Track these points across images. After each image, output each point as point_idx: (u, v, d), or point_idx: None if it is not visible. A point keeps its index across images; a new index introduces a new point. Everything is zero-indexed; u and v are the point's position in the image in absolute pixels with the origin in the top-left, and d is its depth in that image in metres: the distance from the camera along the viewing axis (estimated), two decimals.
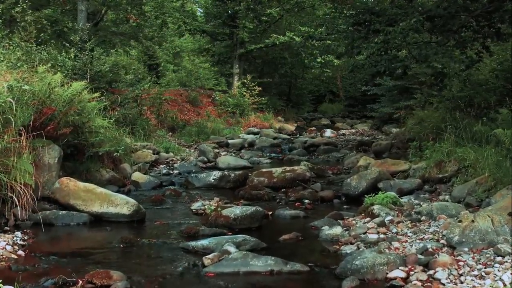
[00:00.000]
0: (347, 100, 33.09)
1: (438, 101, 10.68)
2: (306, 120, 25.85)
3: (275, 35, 21.51)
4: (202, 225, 5.69)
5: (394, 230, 5.15)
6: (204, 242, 4.70)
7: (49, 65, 8.80)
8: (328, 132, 19.02)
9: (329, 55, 23.18)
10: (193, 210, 6.55)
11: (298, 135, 18.70)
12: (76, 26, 14.34)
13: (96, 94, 8.46)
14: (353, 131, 21.05)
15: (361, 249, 4.55)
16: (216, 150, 13.10)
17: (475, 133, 8.36)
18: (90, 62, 11.73)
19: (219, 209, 5.72)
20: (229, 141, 14.77)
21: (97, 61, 12.53)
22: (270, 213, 6.35)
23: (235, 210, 5.59)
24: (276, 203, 7.22)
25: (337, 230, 5.10)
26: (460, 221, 4.63)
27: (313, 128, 21.03)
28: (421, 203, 6.41)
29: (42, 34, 12.61)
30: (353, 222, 5.63)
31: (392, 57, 9.13)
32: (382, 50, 8.97)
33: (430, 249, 4.36)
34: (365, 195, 7.32)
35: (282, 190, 7.85)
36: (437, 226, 5.11)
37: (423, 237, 4.88)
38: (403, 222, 5.43)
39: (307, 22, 18.96)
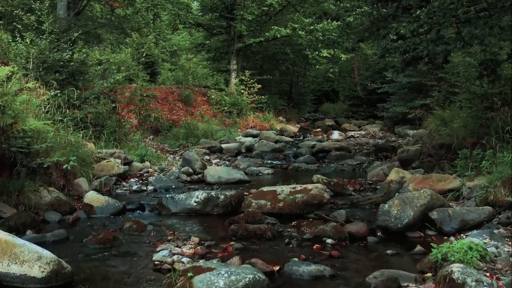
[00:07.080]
0: (351, 99, 31.04)
1: (466, 98, 8.88)
2: (309, 120, 23.67)
3: (276, 27, 19.22)
4: None
5: None
6: None
7: None
8: (336, 134, 16.97)
9: (335, 49, 20.85)
10: (155, 263, 4.16)
11: (302, 138, 16.40)
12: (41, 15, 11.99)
13: (29, 84, 6.06)
14: (363, 132, 18.96)
15: None
16: (206, 157, 10.77)
17: None
18: (49, 49, 9.39)
19: (189, 273, 3.32)
20: (223, 145, 12.42)
21: (78, 53, 10.29)
22: (277, 268, 4.00)
23: (217, 281, 3.18)
24: (285, 244, 4.84)
25: None
26: None
27: (319, 129, 18.91)
28: None
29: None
30: None
31: (437, 37, 6.78)
32: (425, 27, 6.62)
33: None
34: (413, 229, 5.16)
35: (293, 223, 5.40)
36: None
37: None
38: None
39: (313, 6, 16.68)
